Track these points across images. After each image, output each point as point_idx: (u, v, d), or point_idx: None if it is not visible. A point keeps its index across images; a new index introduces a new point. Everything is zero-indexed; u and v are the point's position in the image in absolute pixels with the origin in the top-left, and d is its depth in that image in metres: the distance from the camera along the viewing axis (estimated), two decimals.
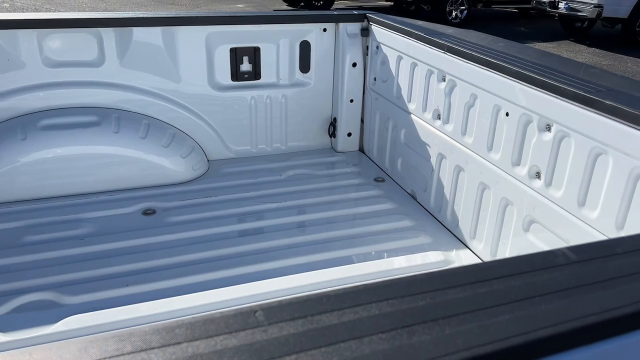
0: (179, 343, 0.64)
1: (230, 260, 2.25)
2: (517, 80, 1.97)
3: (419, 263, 2.22)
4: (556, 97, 1.80)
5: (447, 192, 2.51)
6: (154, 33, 2.84)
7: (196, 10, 9.52)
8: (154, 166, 2.82)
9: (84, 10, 12.00)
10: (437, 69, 2.47)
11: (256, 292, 1.98)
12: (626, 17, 11.59)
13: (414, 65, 2.68)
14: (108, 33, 2.77)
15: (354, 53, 3.11)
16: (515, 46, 2.37)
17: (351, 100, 3.22)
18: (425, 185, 2.71)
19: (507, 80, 2.02)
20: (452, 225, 2.50)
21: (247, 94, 3.10)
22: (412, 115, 2.75)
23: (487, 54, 2.16)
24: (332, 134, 3.35)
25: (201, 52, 2.95)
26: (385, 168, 3.11)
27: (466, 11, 12.82)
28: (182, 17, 2.82)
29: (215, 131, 3.12)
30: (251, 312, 0.70)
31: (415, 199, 2.82)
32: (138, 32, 2.82)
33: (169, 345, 0.64)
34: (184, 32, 2.88)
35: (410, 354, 0.63)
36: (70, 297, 2.00)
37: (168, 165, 2.85)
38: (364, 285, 0.75)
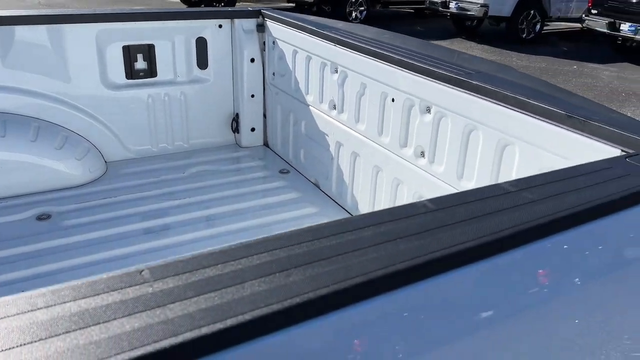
0: (64, 302, 0.67)
1: (134, 258, 2.22)
2: (400, 68, 2.12)
3: None
4: (433, 81, 1.97)
5: (346, 177, 2.64)
6: (39, 32, 2.73)
7: None
8: (47, 170, 2.70)
9: None
10: (329, 61, 2.59)
11: None
12: (509, 15, 12.58)
13: (308, 59, 2.78)
14: None
15: (251, 49, 3.17)
16: (399, 37, 2.55)
17: (252, 96, 3.27)
18: (326, 173, 2.82)
19: (391, 68, 2.17)
20: (352, 209, 2.63)
21: (143, 92, 3.05)
22: (310, 107, 2.86)
23: (373, 45, 2.31)
24: (236, 129, 3.39)
25: (92, 51, 2.87)
26: (289, 160, 3.20)
27: (365, 12, 13.29)
28: (68, 14, 2.74)
29: (111, 132, 3.04)
30: (137, 272, 0.74)
31: (318, 187, 2.92)
32: (21, 31, 2.69)
33: (55, 305, 0.67)
34: (72, 30, 2.79)
35: (285, 291, 0.71)
36: None
37: (62, 168, 2.74)
38: (246, 242, 0.82)
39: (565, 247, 0.92)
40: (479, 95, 1.78)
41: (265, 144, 3.46)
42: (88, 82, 2.91)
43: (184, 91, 3.16)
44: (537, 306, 0.87)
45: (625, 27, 11.20)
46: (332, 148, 2.72)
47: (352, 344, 0.71)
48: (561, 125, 1.51)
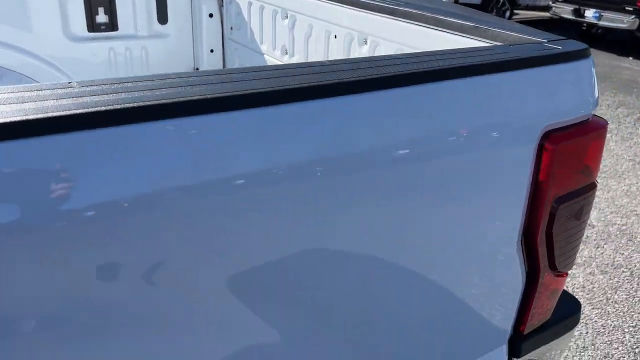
0: (2, 94, 0.83)
1: None
2: (339, 4, 2.30)
3: None
4: (368, 13, 2.15)
5: None
6: None
7: None
8: None
9: None
10: (280, 7, 2.75)
11: None
12: (479, 3, 12.88)
13: (262, 9, 2.94)
14: None
15: (209, 4, 3.31)
16: None
17: (211, 51, 3.42)
18: None
19: (332, 5, 2.34)
20: None
21: (105, 45, 3.17)
22: (265, 56, 3.02)
23: None
24: None
25: (53, 2, 2.98)
26: None
27: None
28: None
29: None
30: (66, 82, 0.90)
31: None
32: None
33: None
34: None
35: (179, 95, 0.87)
36: None
37: None
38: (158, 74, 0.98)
39: (435, 94, 1.11)
40: (405, 20, 1.96)
41: None
42: (51, 33, 3.02)
43: (145, 45, 3.29)
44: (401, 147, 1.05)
45: (590, 14, 11.58)
46: None
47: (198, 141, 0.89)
48: (470, 36, 1.70)
